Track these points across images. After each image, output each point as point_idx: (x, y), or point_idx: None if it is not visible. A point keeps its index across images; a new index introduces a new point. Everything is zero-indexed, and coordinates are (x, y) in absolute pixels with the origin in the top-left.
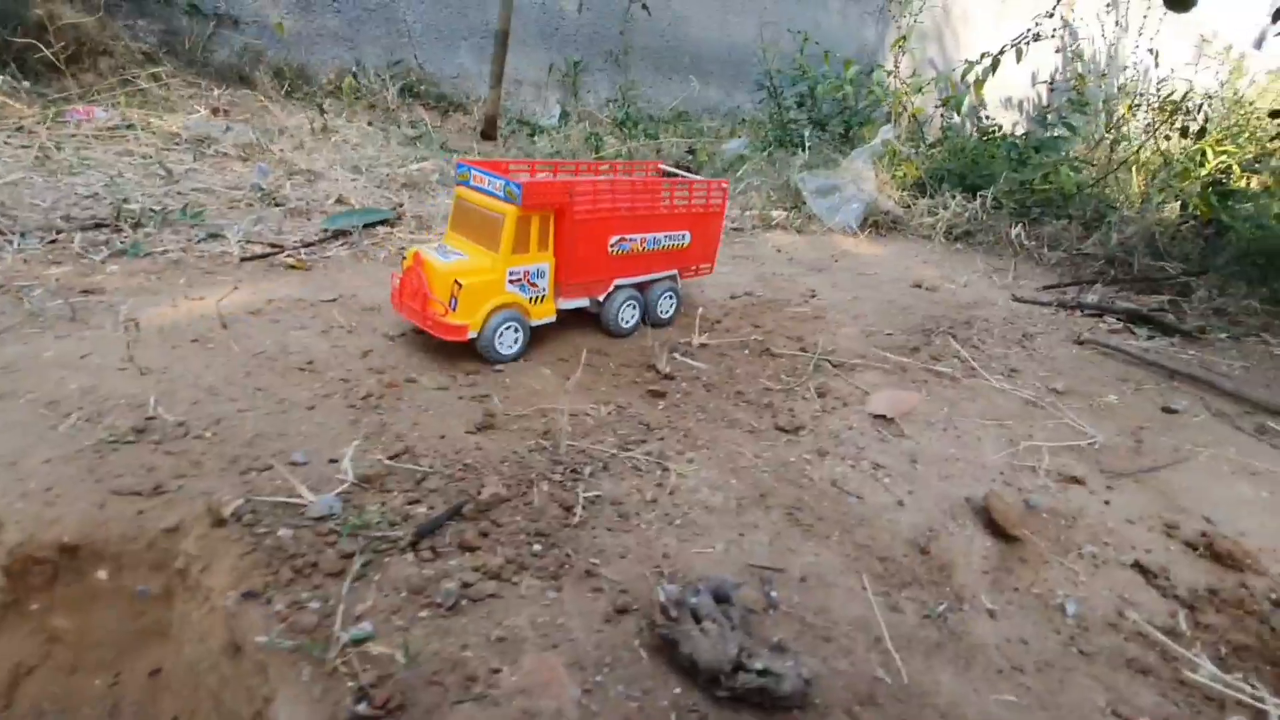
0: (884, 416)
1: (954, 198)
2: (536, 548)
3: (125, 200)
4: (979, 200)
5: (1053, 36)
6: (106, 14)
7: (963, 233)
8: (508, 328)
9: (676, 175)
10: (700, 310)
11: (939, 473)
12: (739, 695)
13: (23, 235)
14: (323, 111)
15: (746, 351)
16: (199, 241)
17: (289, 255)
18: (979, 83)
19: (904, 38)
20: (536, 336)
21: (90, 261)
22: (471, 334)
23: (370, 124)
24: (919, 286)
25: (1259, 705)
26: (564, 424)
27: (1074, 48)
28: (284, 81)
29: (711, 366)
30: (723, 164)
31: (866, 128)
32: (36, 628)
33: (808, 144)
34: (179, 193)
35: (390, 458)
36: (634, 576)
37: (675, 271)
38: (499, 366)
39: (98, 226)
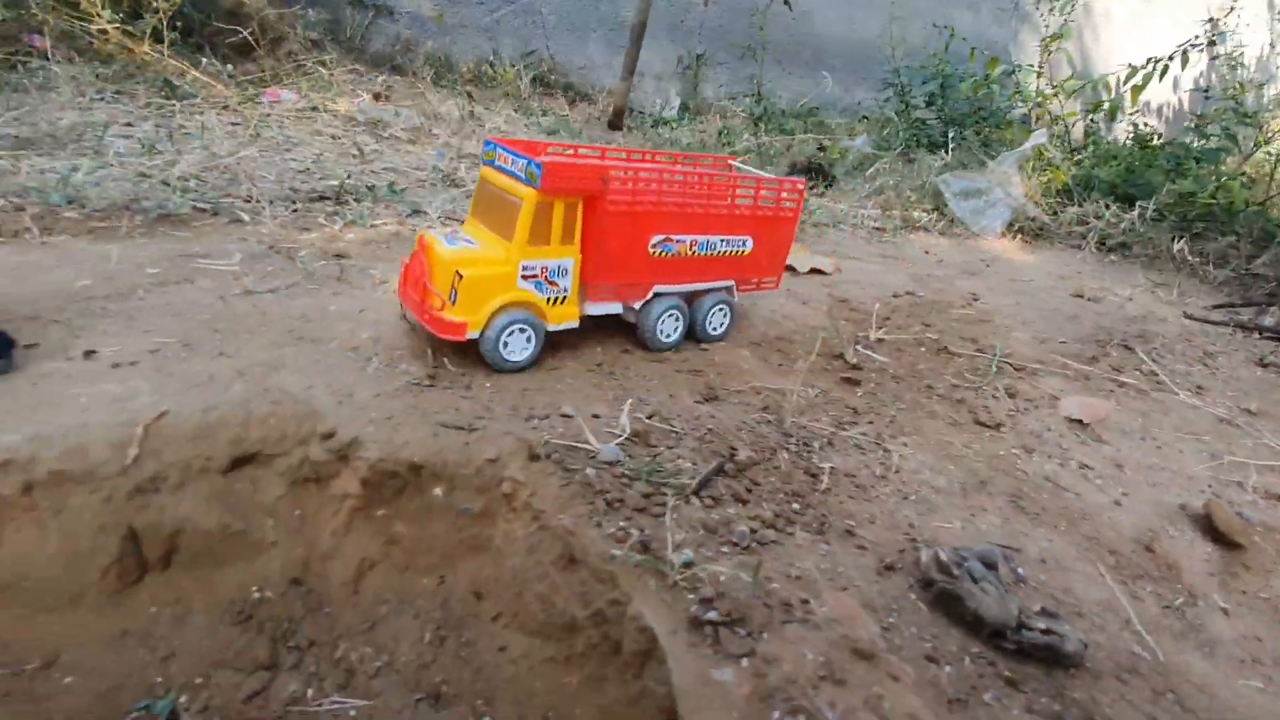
0: (1079, 421)
1: (1108, 207)
2: (795, 507)
3: (347, 176)
4: (1136, 210)
5: (1213, 43)
6: (284, 3)
7: (1117, 244)
8: (517, 330)
9: (746, 171)
10: (877, 306)
11: (1146, 479)
12: (1024, 649)
13: (270, 203)
14: (471, 99)
15: (923, 349)
16: (407, 216)
17: None
18: (1137, 88)
19: (1058, 36)
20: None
21: (331, 229)
22: (472, 334)
23: (515, 111)
24: (1080, 296)
25: None
26: (794, 401)
27: (1233, 54)
28: (429, 70)
29: (893, 360)
30: (853, 162)
31: (1007, 129)
32: (378, 531)
33: (950, 145)
34: (373, 171)
35: (646, 418)
36: (888, 541)
37: (732, 282)
38: (705, 346)
39: (322, 199)
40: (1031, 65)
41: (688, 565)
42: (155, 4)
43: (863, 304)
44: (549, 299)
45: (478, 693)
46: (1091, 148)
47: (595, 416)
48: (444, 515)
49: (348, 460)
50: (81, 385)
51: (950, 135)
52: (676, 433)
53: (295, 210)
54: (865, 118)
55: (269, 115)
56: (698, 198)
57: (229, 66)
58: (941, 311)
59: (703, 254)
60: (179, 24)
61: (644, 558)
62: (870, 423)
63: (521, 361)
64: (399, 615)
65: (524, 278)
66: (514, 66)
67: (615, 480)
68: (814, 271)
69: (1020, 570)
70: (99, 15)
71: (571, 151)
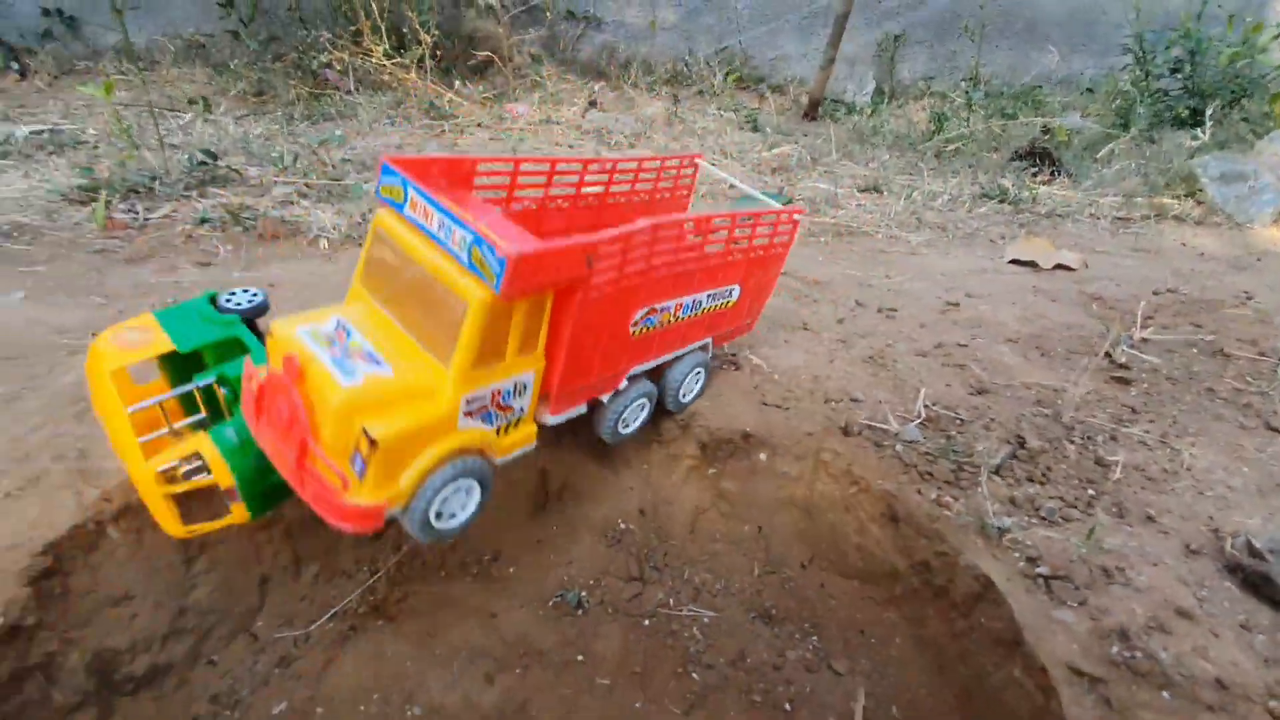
0: None
1: None
2: (1091, 492)
3: None
4: None
5: None
6: (510, 24)
7: None
8: (456, 489)
9: (715, 174)
10: (1142, 304)
11: None
12: None
13: None
14: (676, 100)
15: (1195, 350)
16: None
17: None
18: None
19: None
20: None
21: None
22: (394, 511)
23: (720, 110)
24: None
25: None
26: (1072, 397)
27: None
28: (628, 73)
29: (1164, 361)
30: (1082, 144)
31: (1275, 102)
32: (709, 486)
33: (1208, 122)
34: None
35: (930, 404)
36: (1188, 530)
37: (709, 340)
38: (962, 342)
39: None
40: None
41: (1004, 531)
42: (420, 37)
43: (1120, 301)
44: (499, 428)
45: (804, 617)
46: None
47: (880, 402)
48: (766, 476)
49: (688, 428)
50: None
51: (1210, 111)
52: (962, 419)
53: None
54: (1089, 90)
55: (510, 130)
56: (692, 249)
57: (479, 88)
58: (1212, 311)
59: (687, 317)
60: (438, 52)
61: (971, 519)
62: (1151, 421)
63: (455, 528)
64: (729, 553)
65: (467, 415)
66: (708, 65)
67: (921, 456)
68: (1059, 267)
69: None
70: (376, 50)
71: (511, 167)
